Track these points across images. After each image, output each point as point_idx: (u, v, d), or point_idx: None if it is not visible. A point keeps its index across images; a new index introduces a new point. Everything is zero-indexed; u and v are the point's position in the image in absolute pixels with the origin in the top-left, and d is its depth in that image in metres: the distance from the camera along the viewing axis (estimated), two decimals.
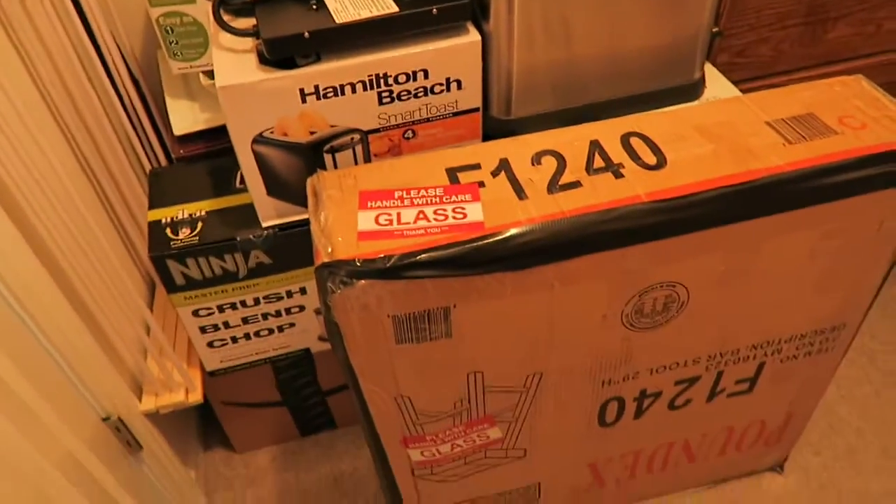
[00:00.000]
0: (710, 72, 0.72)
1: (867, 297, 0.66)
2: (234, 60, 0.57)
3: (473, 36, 0.59)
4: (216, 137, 0.77)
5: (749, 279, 0.58)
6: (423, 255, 0.48)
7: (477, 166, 0.55)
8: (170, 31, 0.74)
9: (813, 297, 0.62)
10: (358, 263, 0.47)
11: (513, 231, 0.49)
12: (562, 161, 0.55)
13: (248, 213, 0.66)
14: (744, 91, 0.79)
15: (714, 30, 0.68)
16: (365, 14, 0.56)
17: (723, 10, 0.74)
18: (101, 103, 0.79)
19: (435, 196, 0.53)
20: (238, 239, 0.65)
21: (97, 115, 0.77)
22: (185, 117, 0.78)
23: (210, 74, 0.77)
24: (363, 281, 0.47)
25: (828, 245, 0.57)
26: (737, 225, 0.52)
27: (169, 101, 0.81)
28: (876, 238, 0.58)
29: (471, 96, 0.62)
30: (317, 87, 0.57)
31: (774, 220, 0.53)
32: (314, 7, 0.58)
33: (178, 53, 0.75)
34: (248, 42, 0.59)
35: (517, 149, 0.57)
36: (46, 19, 0.69)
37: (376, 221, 0.50)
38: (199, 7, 0.72)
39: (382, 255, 0.48)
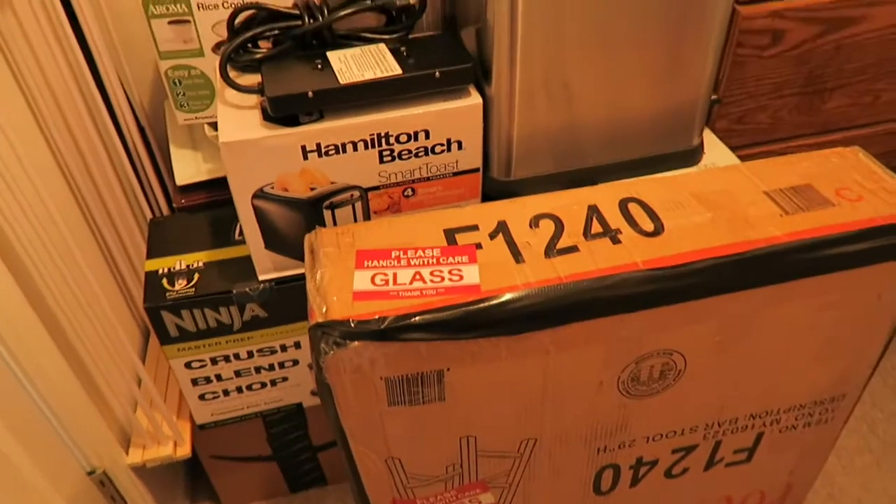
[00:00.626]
0: (709, 138, 0.73)
1: (867, 367, 0.65)
2: (238, 116, 0.58)
3: (475, 99, 0.60)
4: (218, 188, 0.77)
5: (747, 349, 0.57)
6: (417, 318, 0.47)
7: (475, 227, 0.55)
8: (177, 84, 0.75)
9: (812, 367, 0.61)
10: (352, 324, 0.47)
11: (509, 296, 0.49)
12: (560, 225, 0.55)
13: (245, 266, 0.66)
14: (742, 157, 0.80)
15: (713, 97, 0.69)
16: (368, 75, 0.57)
17: (721, 78, 0.75)
18: (106, 150, 0.80)
19: (432, 257, 0.52)
20: (234, 292, 0.65)
21: (101, 161, 0.78)
22: (188, 167, 0.79)
23: (215, 126, 0.78)
24: (356, 342, 0.47)
25: (826, 316, 0.57)
26: (734, 294, 0.52)
27: (173, 151, 0.82)
28: (875, 309, 0.58)
29: (471, 157, 0.63)
30: (319, 145, 0.57)
31: (772, 291, 0.53)
32: (319, 66, 0.59)
33: (185, 105, 0.77)
34: (253, 98, 0.60)
35: (516, 211, 0.57)
36: (55, 64, 0.70)
37: (372, 281, 0.50)
38: (207, 60, 0.73)
39: (377, 317, 0.47)
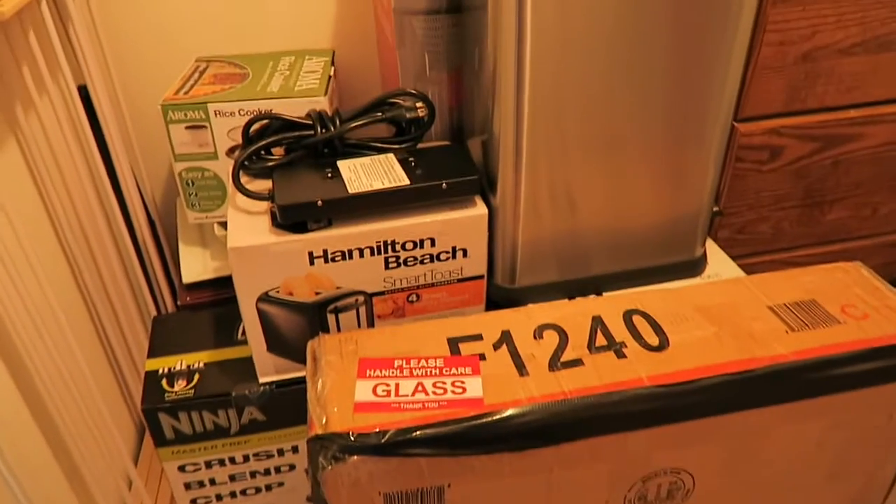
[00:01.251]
0: (711, 247, 0.74)
1: (883, 488, 0.63)
2: (247, 221, 0.59)
3: (481, 209, 0.61)
4: (223, 286, 0.78)
5: (756, 467, 0.55)
6: (418, 432, 0.46)
7: (479, 337, 0.55)
8: (190, 185, 0.77)
9: (824, 487, 0.60)
10: (352, 437, 0.46)
11: (512, 411, 0.48)
12: (564, 336, 0.55)
13: (246, 367, 0.65)
14: (744, 266, 0.80)
15: (715, 209, 0.70)
16: (377, 185, 0.58)
17: (723, 190, 0.76)
18: (116, 244, 0.81)
19: (435, 367, 0.52)
20: (233, 394, 0.64)
21: (109, 256, 0.79)
22: (195, 265, 0.80)
23: (224, 225, 0.79)
24: (355, 457, 0.46)
25: (837, 435, 0.55)
26: (741, 413, 0.51)
27: (182, 248, 0.83)
28: (887, 430, 0.57)
29: (476, 264, 0.63)
30: (325, 251, 0.58)
31: (780, 410, 0.52)
32: (329, 175, 0.60)
33: (196, 205, 0.78)
34: (264, 202, 0.61)
35: (520, 321, 0.57)
36: (70, 160, 0.72)
37: (374, 392, 0.50)
38: (220, 163, 0.75)
39: (377, 430, 0.46)
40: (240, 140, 0.71)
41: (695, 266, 0.70)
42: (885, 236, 0.85)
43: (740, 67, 0.58)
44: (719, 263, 0.72)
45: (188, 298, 0.77)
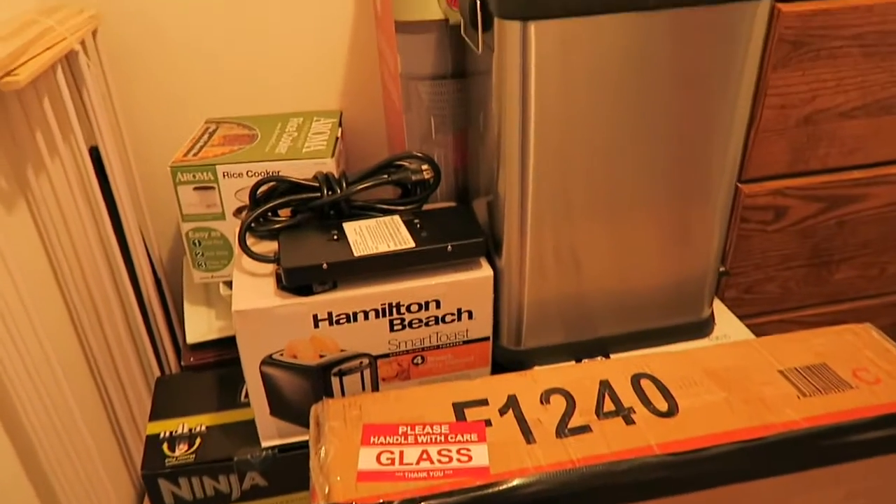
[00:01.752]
0: (719, 308, 0.73)
1: None
2: (252, 284, 0.59)
3: (486, 270, 0.61)
4: (228, 346, 0.78)
5: None
6: (423, 503, 0.45)
7: (484, 402, 0.54)
8: (197, 244, 0.77)
9: None
10: None
11: (519, 481, 0.47)
12: (571, 401, 0.54)
13: (248, 430, 0.64)
14: (752, 326, 0.79)
15: (721, 269, 0.70)
16: (383, 248, 0.58)
17: (728, 250, 0.76)
18: (121, 302, 0.81)
19: (440, 434, 0.51)
20: (235, 459, 0.63)
21: (113, 315, 0.79)
22: (199, 325, 0.79)
23: (230, 285, 0.79)
24: None
25: None
26: (754, 482, 0.50)
27: (187, 307, 0.83)
28: None
29: (482, 326, 0.63)
30: (330, 314, 0.58)
31: (794, 479, 0.50)
32: (335, 237, 0.60)
33: (203, 264, 0.78)
34: (269, 264, 0.61)
35: (526, 385, 0.56)
36: (78, 218, 0.73)
37: (378, 460, 0.49)
38: (227, 223, 0.76)
39: (381, 501, 0.45)
40: (247, 200, 0.72)
41: (703, 327, 0.70)
42: (894, 296, 0.85)
43: (743, 130, 0.59)
44: (727, 324, 0.72)
45: (192, 359, 0.77)
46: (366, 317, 0.59)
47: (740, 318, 0.73)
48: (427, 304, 0.60)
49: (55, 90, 0.69)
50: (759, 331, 0.82)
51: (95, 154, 0.78)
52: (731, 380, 0.56)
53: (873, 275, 0.82)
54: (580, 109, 0.54)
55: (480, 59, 0.58)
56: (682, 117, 0.57)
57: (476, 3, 0.53)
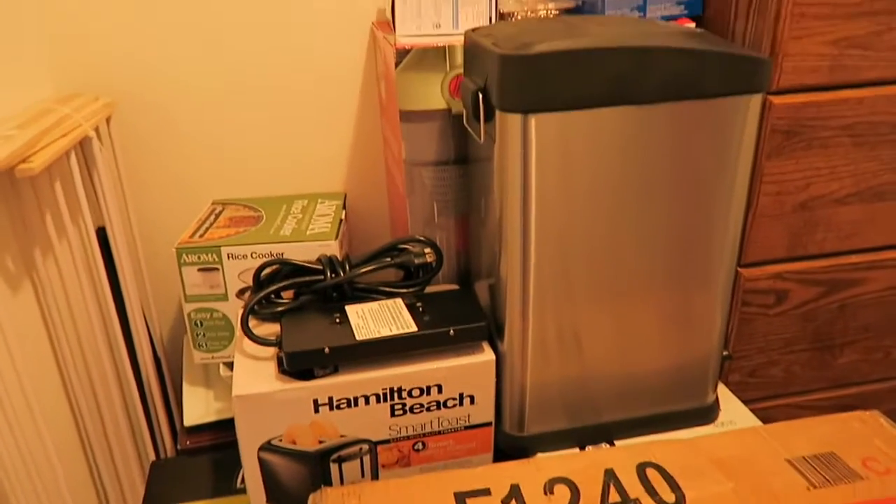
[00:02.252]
0: (724, 392, 0.72)
1: None
2: (253, 367, 0.59)
3: (488, 355, 0.61)
4: (225, 429, 0.76)
5: None
6: None
7: (486, 492, 0.53)
8: (199, 325, 0.77)
9: None
10: None
11: None
12: (575, 491, 0.53)
13: None
14: (757, 410, 0.78)
15: (724, 353, 0.70)
16: (385, 332, 0.58)
17: (731, 334, 0.76)
18: (119, 382, 0.80)
19: None
20: None
21: (111, 395, 0.78)
22: (197, 407, 0.78)
23: (230, 366, 0.79)
24: None
25: None
26: None
27: (186, 388, 0.82)
28: None
29: (484, 411, 0.62)
30: (330, 399, 0.57)
31: None
32: (337, 321, 0.61)
33: (204, 345, 0.78)
34: (271, 348, 0.61)
35: (529, 474, 0.55)
36: (81, 297, 0.73)
37: None
38: (230, 304, 0.76)
39: None
40: (250, 281, 0.73)
41: (708, 413, 0.69)
42: None
43: (741, 216, 0.60)
44: (732, 409, 0.71)
45: (188, 442, 0.75)
46: (367, 401, 0.58)
47: (745, 402, 0.72)
48: (429, 388, 0.59)
49: (67, 174, 0.71)
50: (764, 416, 0.81)
51: (102, 234, 0.79)
52: (739, 469, 0.55)
53: (877, 359, 0.81)
54: (580, 197, 0.56)
55: (482, 148, 0.60)
56: (681, 205, 0.58)
57: (478, 96, 0.55)
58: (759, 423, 0.67)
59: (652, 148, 0.55)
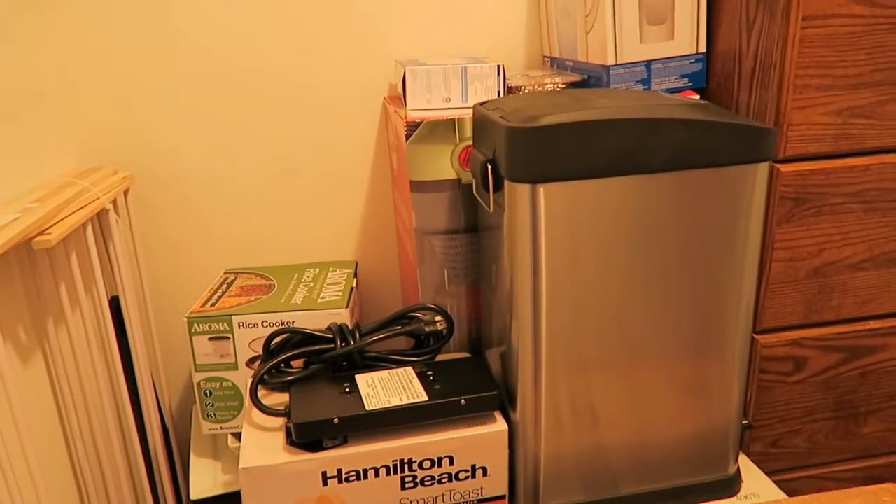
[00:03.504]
0: (745, 464, 0.70)
1: None
2: (261, 438, 0.58)
3: (500, 425, 0.59)
4: (232, 502, 0.74)
5: None
6: None
7: None
8: (208, 394, 0.76)
9: None
10: None
11: None
12: None
13: None
14: (781, 482, 0.76)
15: (744, 422, 0.68)
16: (395, 402, 0.57)
17: (749, 402, 0.74)
18: (126, 454, 0.79)
19: None
20: None
21: (117, 469, 0.76)
22: (205, 479, 0.77)
23: (239, 436, 0.78)
24: None
25: None
26: None
27: (193, 460, 0.81)
28: None
29: (497, 483, 0.61)
30: (339, 471, 0.56)
31: None
32: (347, 390, 0.60)
33: (212, 415, 0.77)
34: (279, 419, 0.60)
35: None
36: (91, 367, 0.73)
37: None
38: (239, 373, 0.76)
39: None
40: (260, 350, 0.72)
41: (729, 485, 0.66)
42: None
43: (753, 283, 0.59)
44: (755, 481, 0.68)
45: None
46: (377, 474, 0.57)
47: (768, 474, 0.70)
48: (440, 460, 0.58)
49: (83, 245, 0.72)
50: (788, 488, 0.78)
51: (115, 304, 0.80)
52: None
53: None
54: (591, 265, 0.56)
55: (492, 217, 0.60)
56: (692, 272, 0.58)
57: (487, 166, 0.56)
58: (783, 495, 0.64)
59: (661, 216, 0.55)
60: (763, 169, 0.56)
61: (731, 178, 0.56)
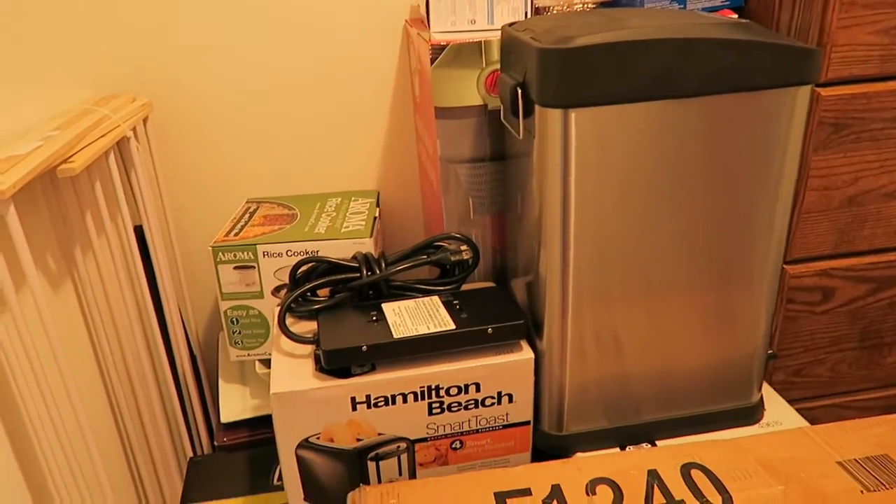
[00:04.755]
0: (768, 392, 0.70)
1: None
2: (291, 365, 0.59)
3: (527, 353, 0.60)
4: (262, 425, 0.77)
5: None
6: None
7: (527, 492, 0.52)
8: (235, 322, 0.77)
9: None
10: None
11: None
12: (618, 492, 0.52)
13: None
14: (803, 410, 0.76)
15: (769, 352, 0.68)
16: (422, 330, 0.58)
17: (775, 332, 0.74)
18: (157, 380, 0.81)
19: None
20: None
21: (149, 392, 0.78)
22: (234, 404, 0.79)
23: (266, 363, 0.79)
24: None
25: None
26: None
27: (222, 385, 0.83)
28: None
29: (522, 410, 0.61)
30: (368, 397, 0.57)
31: None
32: (374, 318, 0.60)
33: (240, 342, 0.78)
34: (308, 346, 0.61)
35: (570, 474, 0.54)
36: (120, 295, 0.74)
37: None
38: (265, 302, 0.76)
39: None
40: (286, 279, 0.73)
41: (752, 413, 0.67)
42: None
43: (787, 213, 0.58)
44: (777, 410, 0.69)
45: (225, 438, 0.76)
46: (404, 400, 0.58)
47: (790, 402, 0.70)
48: (467, 386, 0.59)
49: (106, 174, 0.71)
50: (810, 416, 0.79)
51: (140, 233, 0.80)
52: (788, 472, 0.53)
53: None
54: (620, 193, 0.54)
55: (520, 144, 0.59)
56: (725, 201, 0.56)
57: (517, 91, 0.54)
58: (805, 423, 0.65)
59: (695, 142, 0.54)
60: (804, 93, 0.54)
61: (769, 103, 0.54)
